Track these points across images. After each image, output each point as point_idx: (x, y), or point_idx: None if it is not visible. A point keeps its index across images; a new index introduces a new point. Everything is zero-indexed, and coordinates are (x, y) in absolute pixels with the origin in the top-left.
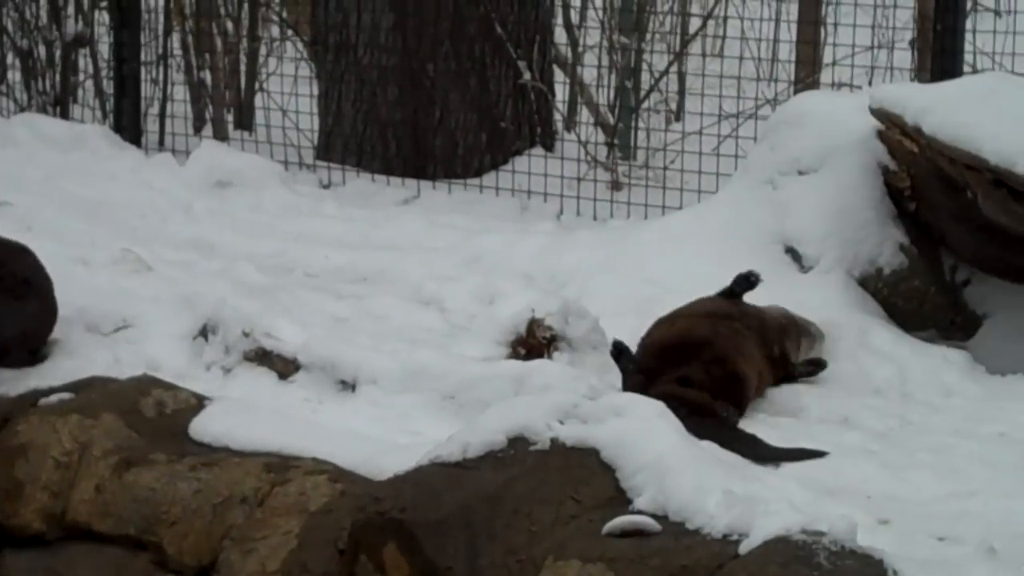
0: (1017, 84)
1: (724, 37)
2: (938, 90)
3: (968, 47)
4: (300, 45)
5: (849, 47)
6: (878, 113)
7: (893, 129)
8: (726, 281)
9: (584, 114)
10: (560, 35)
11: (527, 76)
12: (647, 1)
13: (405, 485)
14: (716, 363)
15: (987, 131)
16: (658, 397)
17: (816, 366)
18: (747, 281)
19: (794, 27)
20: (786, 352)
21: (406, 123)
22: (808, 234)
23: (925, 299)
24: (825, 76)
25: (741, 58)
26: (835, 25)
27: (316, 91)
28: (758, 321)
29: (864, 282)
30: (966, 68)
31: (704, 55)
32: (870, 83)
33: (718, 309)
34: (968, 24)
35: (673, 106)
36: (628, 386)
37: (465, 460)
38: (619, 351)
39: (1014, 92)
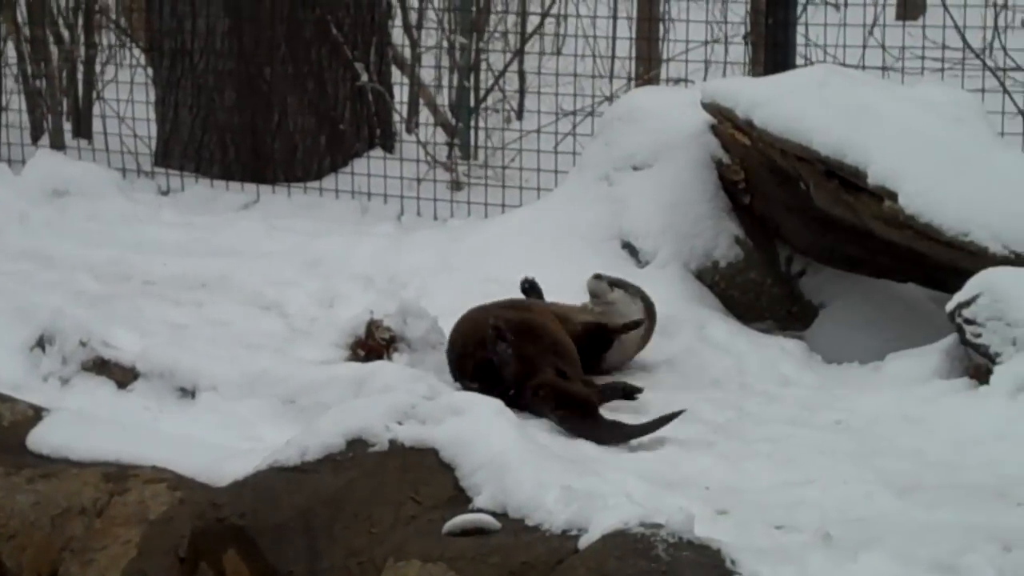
0: (845, 75)
1: (564, 35)
2: (768, 83)
3: (804, 40)
4: (137, 52)
5: (688, 43)
6: (710, 107)
7: (725, 123)
8: (564, 277)
9: (424, 114)
10: (400, 36)
11: (364, 78)
12: (486, 0)
13: (244, 491)
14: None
15: (817, 123)
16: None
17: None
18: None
19: (634, 24)
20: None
21: (244, 128)
22: (644, 229)
23: (762, 291)
24: (665, 72)
25: (577, 56)
26: (671, 21)
27: (154, 98)
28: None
29: (701, 275)
30: (801, 61)
31: (540, 53)
32: (705, 78)
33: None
34: (804, 18)
35: (514, 105)
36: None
37: (304, 464)
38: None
39: (843, 84)
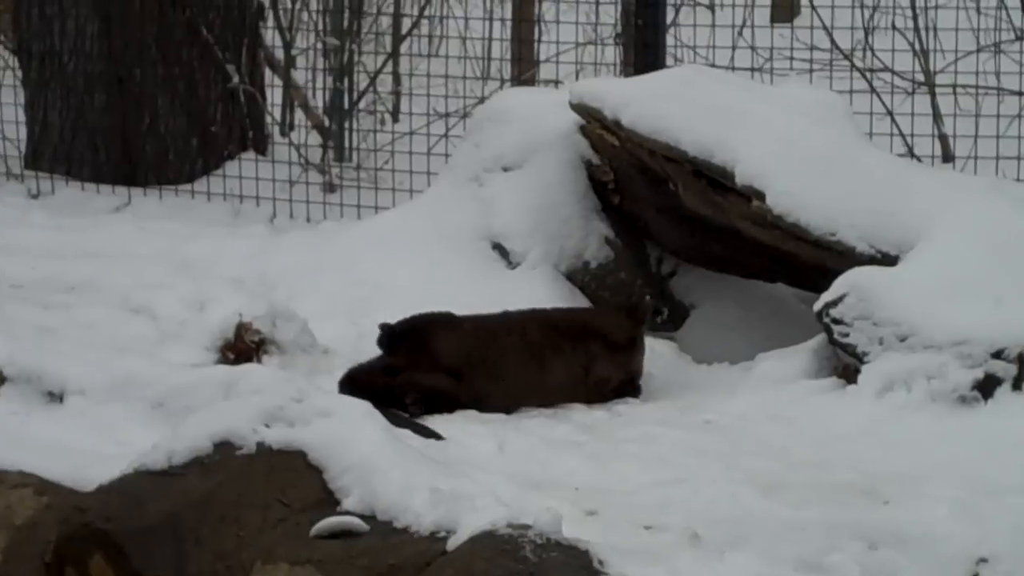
0: (712, 76)
1: (441, 36)
2: (636, 83)
3: (675, 41)
4: (6, 53)
5: (563, 44)
6: (578, 108)
7: (593, 123)
8: (435, 279)
9: (299, 116)
10: (273, 38)
11: (236, 79)
12: (360, 2)
13: (110, 495)
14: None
15: (684, 123)
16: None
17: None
18: None
19: (509, 25)
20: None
21: (115, 130)
22: (514, 230)
23: (632, 291)
24: (544, 73)
25: (453, 57)
26: (545, 23)
27: (23, 100)
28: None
29: (571, 276)
30: (672, 62)
31: (412, 55)
32: (578, 79)
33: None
34: (676, 19)
35: (390, 106)
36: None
37: (171, 467)
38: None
39: (709, 84)
